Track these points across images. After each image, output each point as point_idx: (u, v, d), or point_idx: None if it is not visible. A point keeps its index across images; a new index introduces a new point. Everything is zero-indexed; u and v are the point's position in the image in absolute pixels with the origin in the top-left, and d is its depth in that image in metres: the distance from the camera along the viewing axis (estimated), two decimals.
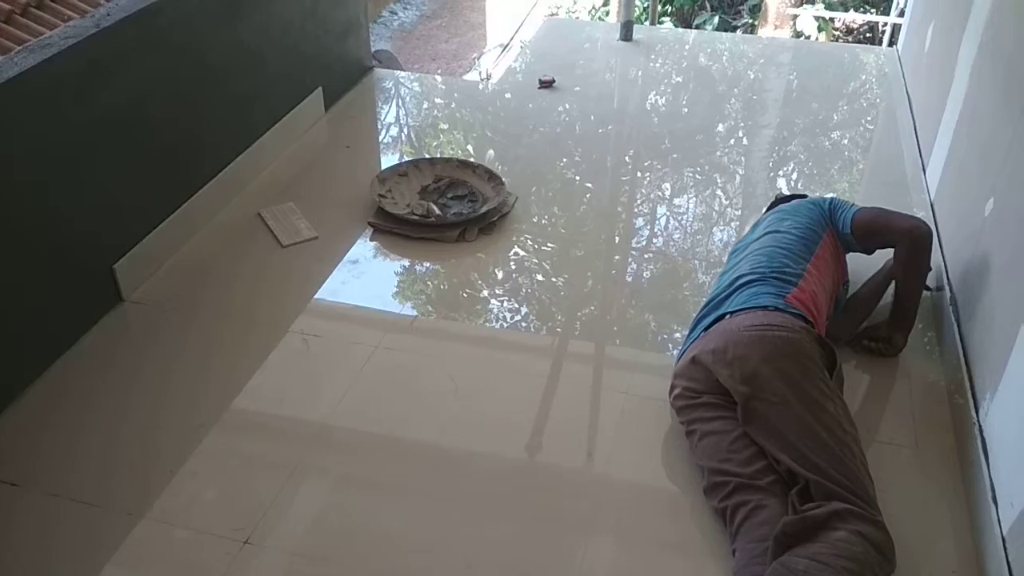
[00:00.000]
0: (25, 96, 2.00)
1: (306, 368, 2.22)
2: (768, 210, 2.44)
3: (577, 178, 3.13)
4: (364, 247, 2.70)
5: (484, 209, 2.78)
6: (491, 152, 3.31)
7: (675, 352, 2.19)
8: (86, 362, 2.21)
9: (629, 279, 2.67)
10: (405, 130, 3.54)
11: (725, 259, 2.37)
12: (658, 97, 3.85)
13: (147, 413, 2.07)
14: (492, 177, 2.94)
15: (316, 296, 2.48)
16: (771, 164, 3.31)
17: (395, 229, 2.73)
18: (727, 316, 1.96)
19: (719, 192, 3.11)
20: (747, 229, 2.44)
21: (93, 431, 2.02)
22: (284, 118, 3.12)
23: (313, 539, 1.77)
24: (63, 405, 2.08)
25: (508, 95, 3.82)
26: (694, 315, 2.14)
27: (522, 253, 2.69)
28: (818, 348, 1.87)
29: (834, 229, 2.21)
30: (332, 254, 2.64)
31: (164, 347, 2.27)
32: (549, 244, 2.74)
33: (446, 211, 2.82)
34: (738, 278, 2.07)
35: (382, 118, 3.65)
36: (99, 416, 2.06)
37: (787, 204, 2.37)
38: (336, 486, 1.91)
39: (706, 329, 1.98)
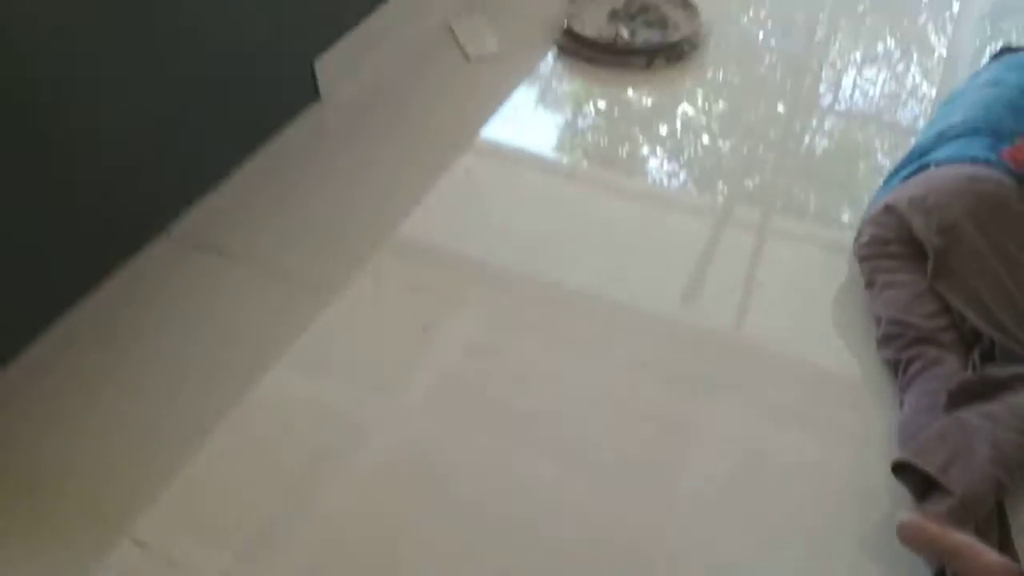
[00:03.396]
0: None
1: (467, 198, 2.25)
2: (992, 60, 2.23)
3: (761, 34, 2.93)
4: (548, 68, 2.67)
5: (675, 38, 2.68)
6: None
7: (852, 215, 2.10)
8: (287, 152, 2.34)
9: (802, 152, 2.49)
10: None
11: (912, 139, 2.19)
12: None
13: (337, 209, 2.19)
14: (686, 5, 2.81)
15: (492, 117, 2.49)
16: (977, 42, 2.94)
17: (581, 51, 2.68)
18: (932, 166, 1.85)
19: (914, 67, 2.82)
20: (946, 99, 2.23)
21: (290, 214, 2.17)
22: None
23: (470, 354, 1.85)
24: (264, 188, 2.24)
25: None
26: (867, 197, 2.02)
27: (691, 112, 2.58)
28: None
29: None
30: (516, 72, 2.64)
31: (353, 149, 2.36)
32: (721, 103, 2.61)
33: (635, 37, 2.73)
34: (947, 128, 1.94)
35: None
36: (296, 201, 2.20)
37: (1014, 56, 2.15)
38: (481, 318, 1.94)
39: (905, 179, 1.88)
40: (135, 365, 1.83)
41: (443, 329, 1.90)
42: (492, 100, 2.54)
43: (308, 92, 2.48)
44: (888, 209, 1.85)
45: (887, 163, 2.34)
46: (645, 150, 2.45)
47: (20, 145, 1.68)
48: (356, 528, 1.54)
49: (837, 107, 2.64)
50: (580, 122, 2.56)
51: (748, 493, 1.60)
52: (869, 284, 1.87)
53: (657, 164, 2.41)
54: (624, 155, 2.44)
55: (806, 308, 1.95)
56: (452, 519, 1.55)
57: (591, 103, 2.60)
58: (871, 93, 2.70)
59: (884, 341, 1.76)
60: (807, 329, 1.90)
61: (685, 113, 2.56)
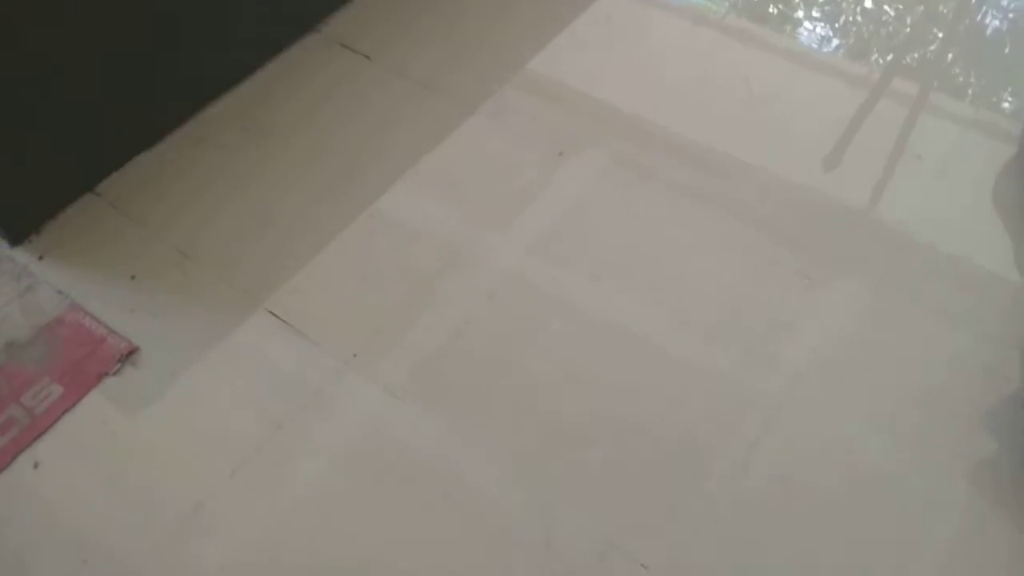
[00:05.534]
0: None
1: (605, 40, 2.17)
2: None
3: None
4: None
5: None
6: None
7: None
8: None
9: (971, 30, 2.28)
10: None
11: None
12: None
13: (477, 30, 2.17)
14: None
15: None
16: None
17: None
18: None
19: None
20: None
21: (433, 27, 2.16)
22: None
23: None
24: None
25: None
26: None
27: None
28: None
29: None
30: None
31: None
32: None
33: None
34: None
35: None
36: (441, 14, 2.19)
37: None
38: (603, 162, 1.90)
39: None
40: (278, 149, 1.89)
41: (567, 165, 1.88)
42: None
43: None
44: None
45: None
46: (800, 12, 2.30)
47: None
48: (478, 329, 1.59)
49: None
50: None
51: (867, 363, 1.55)
52: None
53: (810, 27, 2.26)
54: (775, 13, 2.30)
55: (957, 192, 1.84)
56: (554, 343, 1.57)
57: None
58: None
59: None
60: (957, 213, 1.80)
61: None
